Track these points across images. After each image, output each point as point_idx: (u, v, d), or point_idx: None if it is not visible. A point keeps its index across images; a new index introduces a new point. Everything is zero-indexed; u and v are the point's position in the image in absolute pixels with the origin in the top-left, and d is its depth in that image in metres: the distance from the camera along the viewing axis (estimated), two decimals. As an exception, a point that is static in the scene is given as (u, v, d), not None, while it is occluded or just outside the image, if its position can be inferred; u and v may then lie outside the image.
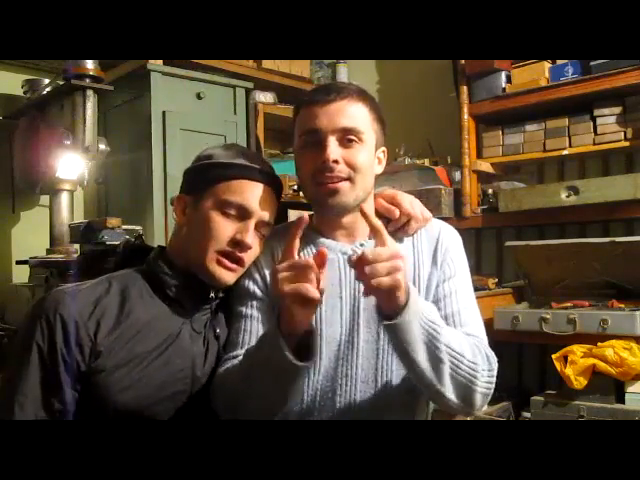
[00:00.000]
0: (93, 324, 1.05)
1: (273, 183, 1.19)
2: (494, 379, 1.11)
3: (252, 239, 1.14)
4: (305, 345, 1.00)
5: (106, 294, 1.09)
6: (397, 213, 1.22)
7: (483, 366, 1.08)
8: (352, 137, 1.13)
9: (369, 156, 1.17)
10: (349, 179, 1.13)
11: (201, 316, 1.16)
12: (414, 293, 1.00)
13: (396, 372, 1.15)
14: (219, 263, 1.12)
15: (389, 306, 0.99)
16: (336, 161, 1.11)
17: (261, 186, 1.15)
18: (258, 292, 1.19)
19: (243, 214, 1.13)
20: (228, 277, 1.14)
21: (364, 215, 1.02)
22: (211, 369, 1.14)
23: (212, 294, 1.16)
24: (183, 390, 1.11)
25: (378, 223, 1.02)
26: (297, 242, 1.00)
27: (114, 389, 1.04)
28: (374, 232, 1.01)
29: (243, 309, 1.18)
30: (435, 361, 1.02)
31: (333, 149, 1.11)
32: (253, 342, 1.12)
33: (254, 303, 1.18)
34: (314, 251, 1.16)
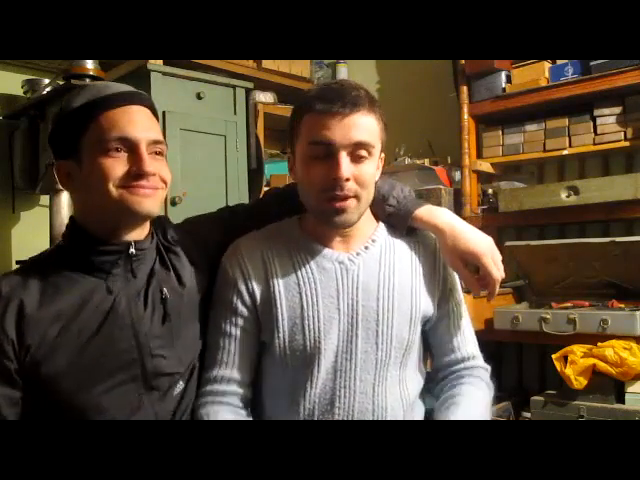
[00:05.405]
0: (11, 319, 1.01)
1: (138, 98, 1.10)
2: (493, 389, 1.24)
3: (150, 164, 1.06)
4: None
5: (21, 285, 1.04)
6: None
7: (490, 398, 1.20)
8: (363, 152, 1.09)
9: (374, 169, 1.14)
10: (356, 196, 1.10)
11: (132, 278, 1.10)
12: None
13: (393, 382, 1.15)
14: (132, 193, 1.04)
15: None
16: (347, 179, 1.08)
17: (132, 108, 1.07)
18: (242, 308, 1.15)
19: (130, 146, 1.05)
20: (148, 205, 1.06)
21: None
22: (158, 331, 1.09)
23: (132, 249, 1.09)
24: (131, 360, 1.06)
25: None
26: None
27: (56, 378, 1.01)
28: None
29: (223, 324, 1.15)
30: None
31: (345, 167, 1.07)
32: (232, 362, 1.14)
33: (236, 320, 1.15)
34: (309, 259, 1.16)
